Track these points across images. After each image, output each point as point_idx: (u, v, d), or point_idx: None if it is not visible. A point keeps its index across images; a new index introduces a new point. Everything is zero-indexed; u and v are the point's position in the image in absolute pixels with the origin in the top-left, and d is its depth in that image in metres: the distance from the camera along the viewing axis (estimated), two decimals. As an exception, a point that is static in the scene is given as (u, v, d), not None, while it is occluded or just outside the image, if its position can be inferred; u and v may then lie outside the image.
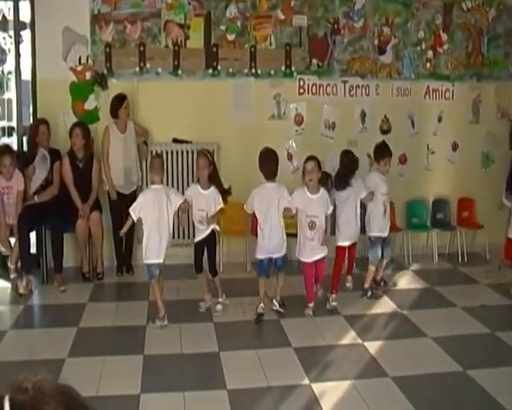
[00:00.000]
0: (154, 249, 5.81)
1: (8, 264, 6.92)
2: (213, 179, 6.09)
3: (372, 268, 6.70)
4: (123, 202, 7.24)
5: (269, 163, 6.13)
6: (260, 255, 6.16)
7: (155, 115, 7.56)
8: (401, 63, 8.16)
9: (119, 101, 7.17)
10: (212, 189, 6.05)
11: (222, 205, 6.07)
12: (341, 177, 6.54)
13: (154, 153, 7.44)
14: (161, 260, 5.87)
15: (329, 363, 5.11)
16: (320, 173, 6.16)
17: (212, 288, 6.35)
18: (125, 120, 7.23)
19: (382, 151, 6.82)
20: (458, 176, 8.26)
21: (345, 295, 6.60)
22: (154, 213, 5.80)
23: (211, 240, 6.15)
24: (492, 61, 8.38)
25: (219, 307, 6.22)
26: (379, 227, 6.69)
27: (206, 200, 6.02)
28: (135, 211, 5.85)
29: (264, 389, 4.66)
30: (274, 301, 6.24)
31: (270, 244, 6.07)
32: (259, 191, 6.07)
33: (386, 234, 6.75)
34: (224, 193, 6.12)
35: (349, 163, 6.58)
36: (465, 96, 8.37)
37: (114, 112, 7.18)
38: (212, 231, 6.11)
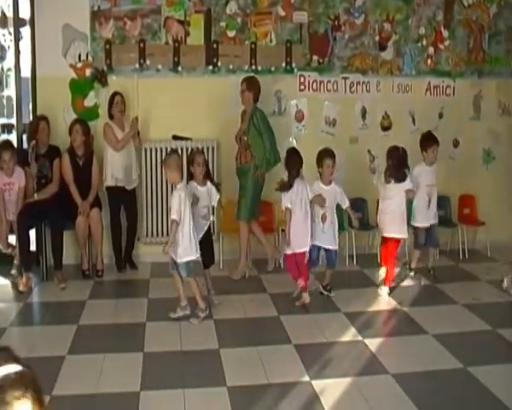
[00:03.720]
0: (192, 246, 5.84)
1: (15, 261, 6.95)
2: (208, 176, 6.20)
3: (416, 252, 7.15)
4: (122, 198, 7.26)
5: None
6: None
7: (155, 112, 7.54)
8: (402, 60, 8.14)
9: (110, 99, 7.23)
10: (209, 184, 6.16)
11: (219, 195, 6.24)
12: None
13: (153, 150, 7.45)
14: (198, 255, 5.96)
15: (330, 360, 5.09)
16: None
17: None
18: (119, 117, 7.23)
19: (427, 140, 7.08)
20: (459, 173, 8.23)
21: (345, 293, 6.58)
22: (186, 212, 5.80)
23: (209, 233, 6.33)
24: (494, 57, 8.35)
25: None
26: (422, 218, 7.04)
27: (205, 196, 6.11)
28: (178, 214, 5.74)
29: (265, 386, 4.64)
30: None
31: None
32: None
33: (429, 223, 7.08)
34: (218, 189, 6.25)
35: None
36: (466, 93, 8.35)
37: (109, 112, 7.23)
38: (209, 225, 6.32)
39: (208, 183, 6.15)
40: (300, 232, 6.27)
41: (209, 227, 6.29)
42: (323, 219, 6.36)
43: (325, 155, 6.42)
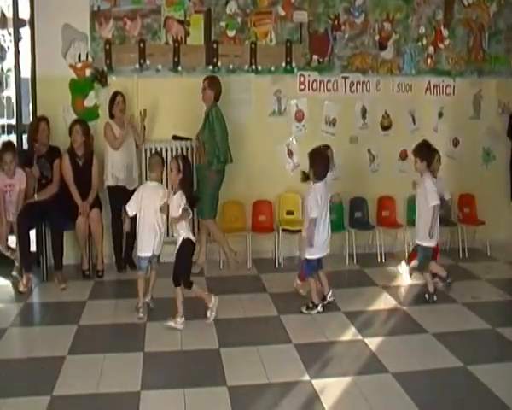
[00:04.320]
0: (144, 243, 5.98)
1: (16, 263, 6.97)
2: (182, 185, 5.77)
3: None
4: (123, 198, 7.25)
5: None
6: (315, 255, 6.16)
7: (155, 112, 7.54)
8: (402, 59, 8.14)
9: (111, 98, 7.24)
10: (177, 196, 5.74)
11: (166, 199, 5.84)
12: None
13: (153, 150, 7.44)
14: (150, 254, 6.02)
15: (330, 359, 5.10)
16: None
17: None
18: (120, 117, 7.22)
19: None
20: (459, 172, 8.24)
21: (344, 292, 6.57)
22: (146, 209, 5.92)
23: (180, 250, 5.83)
24: (493, 56, 8.36)
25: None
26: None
27: (171, 207, 5.83)
28: (130, 207, 6.01)
29: (265, 386, 4.65)
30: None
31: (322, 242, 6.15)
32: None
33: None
34: (192, 201, 5.87)
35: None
36: (466, 92, 8.36)
37: (110, 112, 7.24)
38: (183, 240, 5.80)
39: (177, 194, 5.73)
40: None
41: (181, 245, 5.80)
42: None
43: None
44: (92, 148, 7.27)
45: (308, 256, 6.13)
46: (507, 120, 8.40)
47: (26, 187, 6.90)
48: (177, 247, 5.83)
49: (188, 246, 5.83)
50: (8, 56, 7.62)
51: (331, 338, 5.51)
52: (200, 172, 7.15)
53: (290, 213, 7.83)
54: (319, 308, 6.12)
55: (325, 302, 6.20)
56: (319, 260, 6.20)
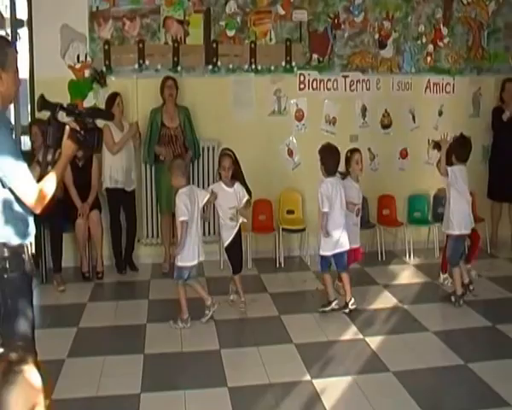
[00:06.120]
0: (191, 252, 5.77)
1: None
2: (236, 177, 6.09)
3: (455, 269, 6.40)
4: (121, 200, 7.24)
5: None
6: (327, 252, 6.16)
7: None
8: (402, 57, 8.13)
9: (111, 99, 7.15)
10: (237, 185, 6.07)
11: (248, 197, 6.08)
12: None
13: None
14: (196, 262, 5.85)
15: (331, 359, 5.09)
16: None
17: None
18: (119, 118, 7.18)
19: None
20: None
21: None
22: (192, 216, 5.77)
23: (238, 236, 6.18)
24: (493, 54, 8.35)
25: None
26: (467, 224, 6.41)
27: (232, 197, 6.04)
28: (185, 215, 5.68)
29: (266, 386, 4.64)
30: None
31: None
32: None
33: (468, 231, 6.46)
34: (248, 190, 6.13)
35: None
36: (465, 90, 8.34)
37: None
38: (239, 227, 6.14)
39: (236, 184, 6.06)
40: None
41: (239, 230, 6.15)
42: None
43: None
44: (92, 149, 7.23)
45: (321, 252, 6.14)
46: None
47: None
48: (235, 233, 6.12)
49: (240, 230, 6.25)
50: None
51: (332, 338, 5.50)
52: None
53: (290, 212, 7.82)
54: (334, 305, 6.07)
55: (346, 310, 6.05)
56: (335, 256, 6.13)
